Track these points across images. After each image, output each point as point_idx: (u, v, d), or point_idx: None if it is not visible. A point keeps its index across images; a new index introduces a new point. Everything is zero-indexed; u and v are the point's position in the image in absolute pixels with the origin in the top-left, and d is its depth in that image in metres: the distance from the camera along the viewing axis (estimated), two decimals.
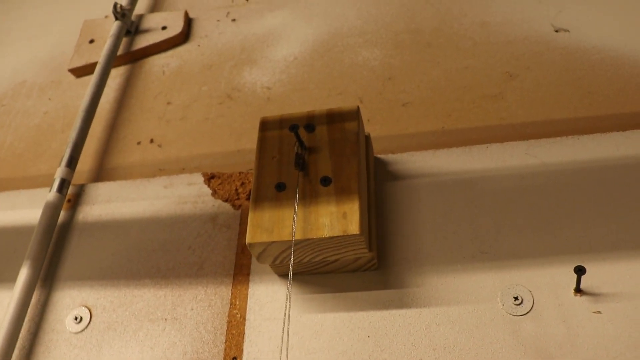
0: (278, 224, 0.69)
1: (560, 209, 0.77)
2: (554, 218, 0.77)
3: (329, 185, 0.71)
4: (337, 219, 0.67)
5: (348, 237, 0.67)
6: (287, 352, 0.71)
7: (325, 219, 0.68)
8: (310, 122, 0.77)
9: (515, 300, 0.71)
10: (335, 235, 0.66)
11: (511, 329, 0.70)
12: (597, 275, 0.71)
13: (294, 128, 0.73)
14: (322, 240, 0.67)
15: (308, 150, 0.74)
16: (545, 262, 0.74)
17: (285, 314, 0.72)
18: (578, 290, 0.70)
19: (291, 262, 0.68)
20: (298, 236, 0.67)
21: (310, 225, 0.68)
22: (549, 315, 0.69)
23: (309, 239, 0.67)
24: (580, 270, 0.67)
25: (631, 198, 0.76)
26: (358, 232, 0.66)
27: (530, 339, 0.68)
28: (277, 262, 0.73)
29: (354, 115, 0.77)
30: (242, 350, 0.74)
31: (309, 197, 0.70)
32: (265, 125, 0.79)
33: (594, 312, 0.69)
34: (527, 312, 0.70)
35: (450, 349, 0.69)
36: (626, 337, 0.66)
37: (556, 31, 1.03)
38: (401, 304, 0.74)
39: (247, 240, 0.69)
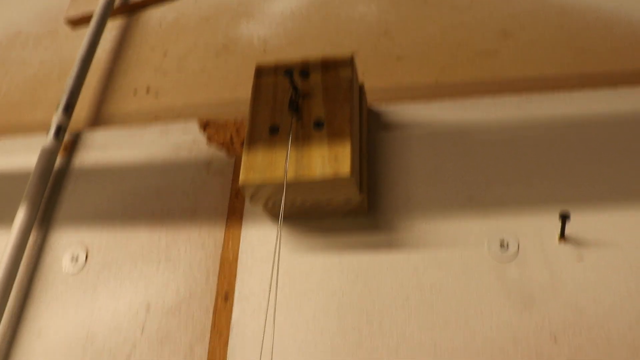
0: (271, 165, 0.70)
1: (549, 162, 0.79)
2: (544, 170, 0.78)
3: (322, 130, 0.72)
4: (329, 161, 0.69)
5: (339, 179, 0.68)
6: (277, 290, 0.72)
7: (317, 161, 0.69)
8: (304, 69, 0.78)
9: (501, 247, 0.73)
10: (326, 176, 0.68)
11: (496, 273, 0.71)
12: (582, 224, 0.72)
13: (288, 73, 0.74)
14: (313, 181, 0.69)
15: (302, 96, 0.75)
16: (532, 211, 0.75)
17: (275, 252, 0.73)
18: (563, 236, 0.72)
19: (282, 201, 0.69)
20: (290, 177, 0.69)
21: (302, 167, 0.69)
22: (534, 261, 0.71)
23: (301, 180, 0.69)
24: (565, 216, 0.69)
25: (618, 152, 0.77)
26: (349, 173, 0.67)
27: (515, 283, 0.70)
28: (270, 204, 0.74)
29: (348, 63, 0.78)
30: (234, 288, 0.76)
31: (302, 140, 0.71)
32: (260, 72, 0.80)
33: (577, 259, 0.71)
34: (513, 258, 0.72)
35: (436, 289, 0.71)
36: (607, 282, 0.68)
37: None
38: (390, 247, 0.75)
39: (240, 181, 0.70)
